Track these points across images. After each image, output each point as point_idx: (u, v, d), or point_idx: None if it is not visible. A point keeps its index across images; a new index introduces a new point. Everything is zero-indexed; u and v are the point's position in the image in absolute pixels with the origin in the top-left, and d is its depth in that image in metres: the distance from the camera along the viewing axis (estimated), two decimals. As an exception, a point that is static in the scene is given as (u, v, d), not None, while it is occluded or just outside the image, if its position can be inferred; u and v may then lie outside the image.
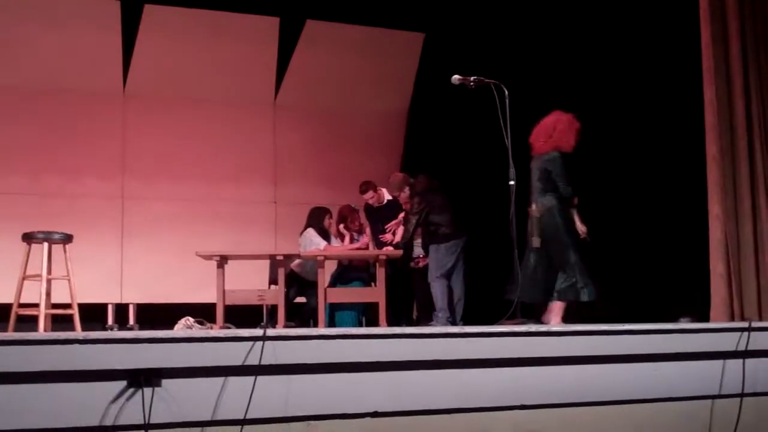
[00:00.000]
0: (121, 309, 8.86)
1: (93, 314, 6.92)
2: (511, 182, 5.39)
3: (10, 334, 3.45)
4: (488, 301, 7.05)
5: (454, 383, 3.93)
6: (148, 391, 3.50)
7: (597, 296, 5.69)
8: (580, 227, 5.80)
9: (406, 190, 7.59)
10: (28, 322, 6.15)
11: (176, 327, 6.90)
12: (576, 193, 5.81)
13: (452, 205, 7.44)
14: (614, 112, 7.40)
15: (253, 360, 3.68)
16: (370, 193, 8.08)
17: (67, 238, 6.28)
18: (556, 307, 5.73)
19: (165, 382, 3.56)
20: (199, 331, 3.95)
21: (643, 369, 4.15)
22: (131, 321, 8.83)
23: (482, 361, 3.93)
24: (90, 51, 8.90)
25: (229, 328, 7.00)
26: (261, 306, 8.65)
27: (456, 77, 5.75)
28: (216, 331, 3.77)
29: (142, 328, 8.55)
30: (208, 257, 7.33)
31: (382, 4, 9.12)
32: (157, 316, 8.43)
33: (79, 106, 9.01)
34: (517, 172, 5.43)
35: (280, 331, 3.85)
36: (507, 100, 5.47)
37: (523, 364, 3.97)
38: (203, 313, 7.25)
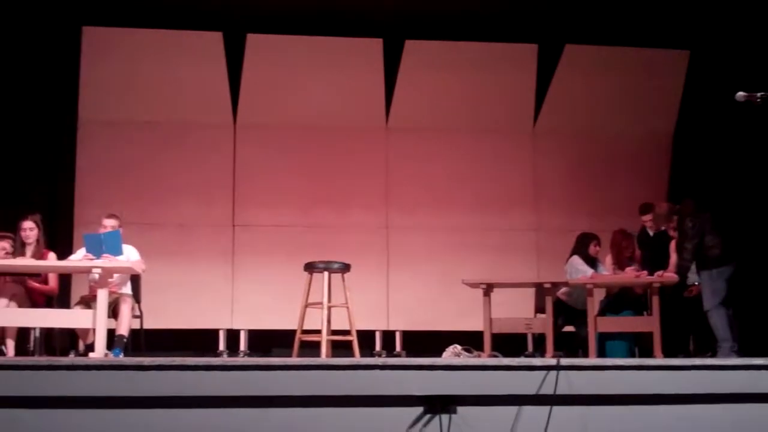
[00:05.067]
0: (388, 336, 9.06)
1: (361, 340, 7.10)
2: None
3: (316, 360, 3.57)
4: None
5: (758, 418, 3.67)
6: (444, 417, 3.52)
7: None
8: None
9: (674, 219, 7.29)
10: (310, 347, 6.41)
11: (444, 354, 6.94)
12: None
13: (724, 229, 7.01)
14: None
15: (547, 389, 3.60)
16: (650, 215, 7.76)
17: (345, 268, 6.51)
18: None
19: (460, 409, 3.56)
20: (493, 360, 3.92)
21: None
22: (398, 348, 8.99)
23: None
24: (355, 89, 9.27)
25: (496, 356, 6.97)
26: (525, 335, 8.57)
27: (741, 94, 5.38)
28: (509, 360, 3.72)
29: (408, 354, 8.70)
30: (475, 285, 7.35)
31: (642, 24, 8.87)
32: (423, 343, 8.56)
33: (345, 141, 9.40)
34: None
35: (574, 360, 3.75)
36: (802, 117, 5.08)
37: None
38: (467, 340, 7.25)
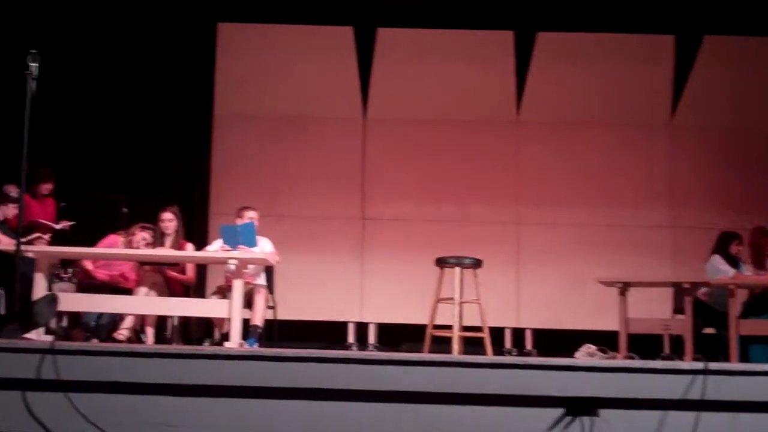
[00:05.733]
0: (518, 333, 8.94)
1: (491, 338, 7.01)
2: None
3: (455, 357, 3.52)
4: None
5: None
6: (586, 420, 3.42)
7: None
8: None
9: None
10: (441, 343, 6.38)
11: (577, 354, 6.80)
12: None
13: None
14: None
15: (693, 394, 3.45)
16: None
17: (477, 264, 6.45)
18: None
19: (603, 412, 3.46)
20: (637, 362, 3.78)
21: None
22: (528, 346, 8.85)
23: None
24: (485, 82, 9.20)
25: (632, 357, 6.77)
26: (660, 336, 8.30)
27: None
28: (654, 363, 3.59)
29: (539, 353, 8.56)
30: (610, 284, 7.16)
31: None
32: (554, 342, 8.41)
33: (475, 135, 9.29)
34: None
35: (723, 365, 3.58)
36: None
37: None
38: (600, 340, 7.08)
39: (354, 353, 3.63)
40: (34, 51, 4.85)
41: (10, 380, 3.34)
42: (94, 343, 6.09)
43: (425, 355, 3.55)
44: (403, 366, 3.50)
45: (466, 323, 6.70)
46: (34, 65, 4.83)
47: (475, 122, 9.28)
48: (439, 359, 3.46)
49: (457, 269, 6.38)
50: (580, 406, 3.42)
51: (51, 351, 3.19)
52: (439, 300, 6.53)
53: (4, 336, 3.79)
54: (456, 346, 6.16)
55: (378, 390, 3.53)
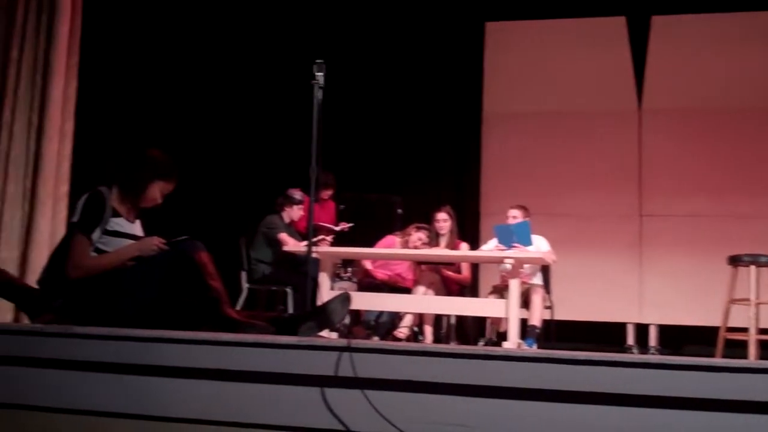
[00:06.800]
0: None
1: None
2: None
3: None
4: None
5: None
6: None
7: None
8: None
9: None
10: (735, 347, 5.97)
11: None
12: None
13: None
14: None
15: None
16: None
17: (775, 262, 5.97)
18: None
19: None
20: None
21: None
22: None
23: None
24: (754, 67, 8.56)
25: None
26: None
27: None
28: None
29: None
30: None
31: None
32: None
33: (755, 124, 8.60)
34: None
35: None
36: None
37: None
38: None
39: (652, 358, 3.44)
40: (319, 61, 5.01)
41: (310, 377, 3.45)
42: (376, 341, 6.26)
43: (726, 361, 3.29)
44: (700, 372, 3.26)
45: (761, 326, 6.23)
46: (320, 74, 5.00)
47: (761, 110, 8.61)
48: (742, 365, 3.19)
49: (753, 268, 5.92)
50: None
51: (348, 349, 3.26)
52: (732, 301, 6.11)
53: (302, 334, 3.94)
54: (752, 350, 5.73)
55: (672, 396, 3.32)
